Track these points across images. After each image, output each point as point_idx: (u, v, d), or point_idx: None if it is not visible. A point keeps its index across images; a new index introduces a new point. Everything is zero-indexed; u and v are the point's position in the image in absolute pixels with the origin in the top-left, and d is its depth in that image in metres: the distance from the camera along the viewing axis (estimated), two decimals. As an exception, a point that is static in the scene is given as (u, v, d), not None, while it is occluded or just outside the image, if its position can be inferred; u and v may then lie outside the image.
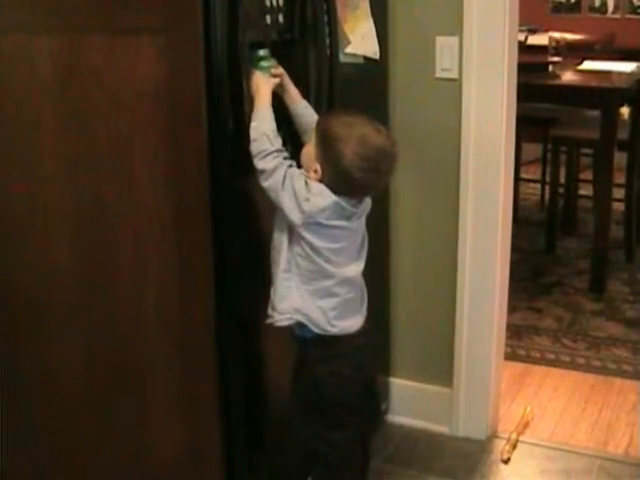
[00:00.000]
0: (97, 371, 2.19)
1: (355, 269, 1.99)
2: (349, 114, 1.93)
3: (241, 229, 2.01)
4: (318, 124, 1.94)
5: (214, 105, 1.87)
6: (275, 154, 1.88)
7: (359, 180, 1.87)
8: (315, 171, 1.89)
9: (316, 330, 1.96)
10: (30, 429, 2.34)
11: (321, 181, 1.89)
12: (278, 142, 1.89)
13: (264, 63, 1.97)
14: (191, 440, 2.12)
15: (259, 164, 1.88)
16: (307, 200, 1.86)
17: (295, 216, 1.87)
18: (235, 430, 2.09)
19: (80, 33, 1.97)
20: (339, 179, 1.87)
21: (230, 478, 2.11)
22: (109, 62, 1.94)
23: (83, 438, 2.27)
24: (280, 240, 1.94)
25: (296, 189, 1.86)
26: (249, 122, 1.91)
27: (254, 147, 1.88)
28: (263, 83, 1.94)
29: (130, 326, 2.12)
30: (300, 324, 1.97)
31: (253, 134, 1.89)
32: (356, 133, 1.86)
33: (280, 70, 1.99)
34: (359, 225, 1.98)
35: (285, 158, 1.90)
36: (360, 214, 1.96)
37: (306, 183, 1.88)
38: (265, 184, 1.88)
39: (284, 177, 1.87)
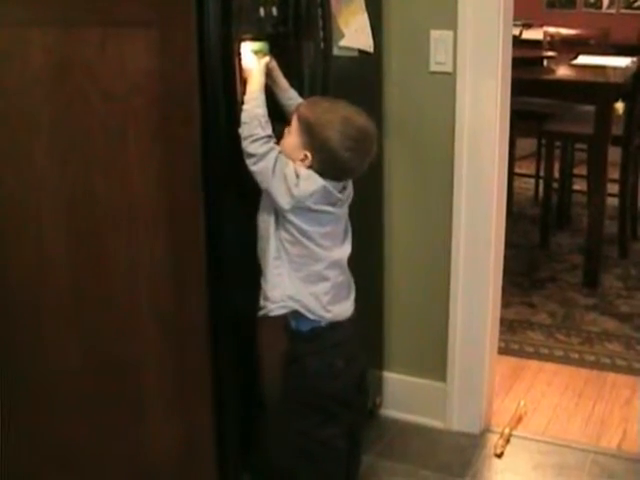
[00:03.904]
0: (91, 367, 2.19)
1: (342, 252, 2.03)
2: (327, 100, 1.98)
3: (235, 222, 2.01)
4: (299, 114, 1.94)
5: (207, 98, 1.87)
6: (266, 139, 1.89)
7: (346, 160, 1.92)
8: (303, 159, 1.91)
9: (311, 317, 1.97)
10: (24, 425, 2.33)
11: (310, 167, 1.92)
12: (269, 127, 1.91)
13: (256, 47, 1.97)
14: (186, 437, 2.12)
15: (249, 147, 1.89)
16: (297, 185, 1.89)
17: (285, 201, 1.89)
18: (229, 427, 2.09)
19: (73, 27, 1.96)
20: (328, 162, 1.91)
21: (225, 475, 2.11)
22: (102, 56, 1.93)
23: (77, 435, 2.26)
24: (267, 228, 1.96)
25: (286, 174, 1.89)
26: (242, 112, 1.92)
27: (245, 130, 1.90)
28: (255, 65, 1.94)
29: (124, 321, 2.11)
30: (295, 315, 1.97)
31: (244, 117, 1.90)
32: (339, 116, 1.91)
33: (273, 63, 2.00)
34: (343, 211, 2.02)
35: (275, 144, 1.91)
36: (344, 201, 2.00)
37: (294, 169, 1.91)
38: (254, 168, 1.90)
39: (275, 163, 1.89)
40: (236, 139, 1.91)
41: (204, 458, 2.10)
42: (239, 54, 1.93)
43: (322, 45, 2.15)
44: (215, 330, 2.02)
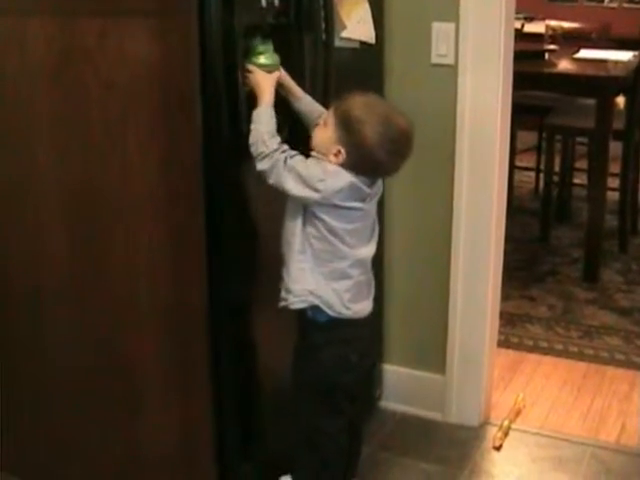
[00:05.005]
0: (90, 358, 2.19)
1: (367, 251, 2.01)
2: (368, 96, 1.94)
3: (235, 214, 2.01)
4: (336, 108, 1.93)
5: (208, 88, 1.86)
6: (270, 154, 1.88)
7: (383, 162, 1.90)
8: (336, 154, 1.89)
9: (331, 313, 1.96)
10: (24, 418, 2.33)
11: (342, 163, 1.89)
12: (274, 142, 1.89)
13: (265, 60, 1.95)
14: (185, 428, 2.12)
15: (258, 166, 1.90)
16: (322, 181, 1.87)
17: (308, 194, 1.87)
18: (229, 418, 2.09)
19: (73, 16, 1.96)
20: (362, 160, 1.89)
21: (224, 467, 2.11)
22: (102, 45, 1.93)
23: (77, 426, 2.27)
24: (294, 223, 1.94)
25: (301, 172, 1.87)
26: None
27: (253, 150, 1.90)
28: (264, 80, 1.93)
29: (123, 313, 2.11)
30: (314, 307, 1.97)
31: (251, 137, 1.90)
32: (379, 116, 1.89)
33: (283, 76, 1.99)
34: (372, 207, 2.00)
35: (284, 151, 1.89)
36: (373, 196, 1.98)
37: (319, 165, 1.89)
38: (270, 182, 1.90)
39: (281, 169, 1.87)
40: (237, 129, 1.91)
41: (204, 449, 2.10)
42: (248, 70, 1.92)
43: (324, 36, 2.15)
44: (214, 323, 2.01)
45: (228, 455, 2.11)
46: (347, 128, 1.89)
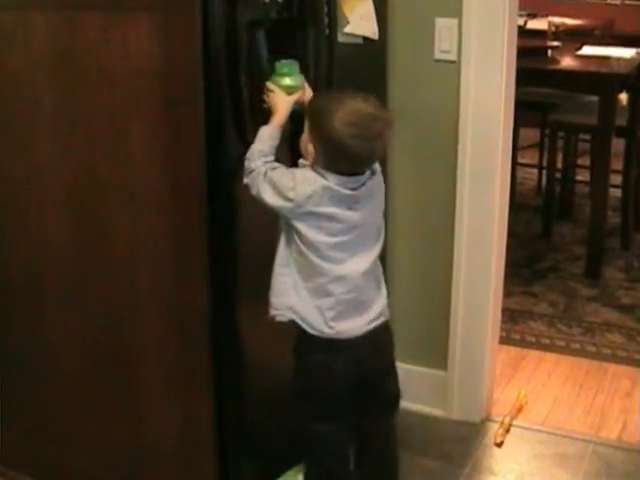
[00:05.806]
0: (92, 350, 2.19)
1: (354, 266, 1.93)
2: (338, 92, 1.92)
3: (237, 208, 2.01)
4: (307, 107, 1.94)
5: (211, 83, 1.86)
6: (254, 169, 1.90)
7: (351, 148, 1.84)
8: (310, 153, 1.88)
9: (311, 331, 1.93)
10: (25, 408, 2.34)
11: (316, 162, 1.87)
12: (261, 160, 1.90)
13: (290, 82, 1.96)
14: (185, 422, 2.12)
15: (244, 180, 1.92)
16: (292, 189, 1.85)
17: (282, 204, 1.87)
18: (229, 413, 2.09)
19: (76, 10, 1.96)
20: (332, 152, 1.85)
21: (223, 461, 2.12)
22: (105, 39, 1.93)
23: (78, 418, 2.27)
24: (279, 235, 1.94)
25: (276, 183, 1.87)
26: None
27: (245, 164, 1.91)
28: (281, 103, 1.95)
29: (125, 305, 2.12)
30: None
31: (248, 152, 1.91)
32: (343, 104, 1.85)
33: (307, 92, 2.00)
34: (365, 217, 1.93)
35: (266, 165, 1.90)
36: (364, 202, 1.92)
37: (291, 175, 1.88)
38: (252, 194, 1.91)
39: (261, 181, 1.89)
40: (239, 123, 1.91)
41: (204, 444, 2.11)
42: (268, 89, 1.94)
43: (327, 32, 2.14)
44: (215, 316, 2.02)
45: (228, 450, 2.11)
46: (314, 122, 1.88)
